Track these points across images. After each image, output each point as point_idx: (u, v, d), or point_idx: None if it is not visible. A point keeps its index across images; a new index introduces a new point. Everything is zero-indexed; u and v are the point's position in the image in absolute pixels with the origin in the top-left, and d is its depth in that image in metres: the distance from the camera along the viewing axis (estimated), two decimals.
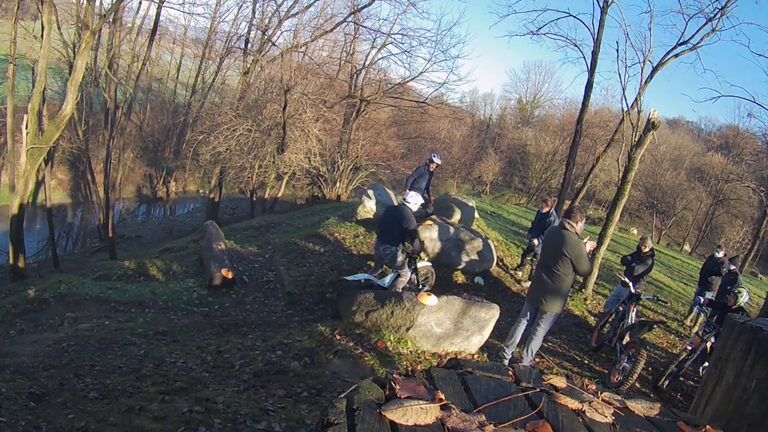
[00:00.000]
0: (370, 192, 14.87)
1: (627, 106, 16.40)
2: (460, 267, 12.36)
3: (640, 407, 2.16)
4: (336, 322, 7.77)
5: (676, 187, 46.99)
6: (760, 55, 36.70)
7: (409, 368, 6.95)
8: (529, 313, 7.80)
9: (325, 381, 6.06)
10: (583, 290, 12.91)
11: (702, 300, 10.82)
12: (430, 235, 12.32)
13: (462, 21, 72.13)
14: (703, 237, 44.89)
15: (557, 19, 27.63)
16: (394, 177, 34.15)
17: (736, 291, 9.31)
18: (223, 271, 10.66)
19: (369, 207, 14.40)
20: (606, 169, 38.28)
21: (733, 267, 12.34)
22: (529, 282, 12.49)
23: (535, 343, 7.74)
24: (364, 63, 29.68)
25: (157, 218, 32.48)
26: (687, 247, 43.26)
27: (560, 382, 2.17)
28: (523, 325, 7.86)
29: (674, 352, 10.68)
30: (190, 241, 14.66)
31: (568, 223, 7.42)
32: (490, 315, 7.97)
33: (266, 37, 26.84)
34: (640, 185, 43.85)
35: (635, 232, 39.67)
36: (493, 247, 12.97)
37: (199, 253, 12.19)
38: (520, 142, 53.30)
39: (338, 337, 7.11)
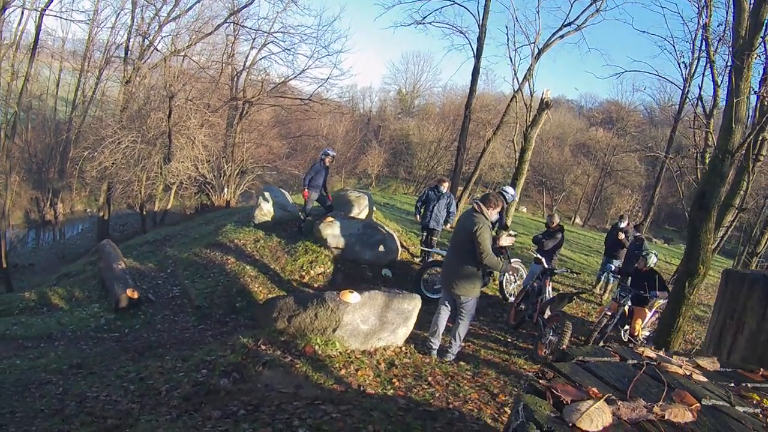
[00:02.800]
0: (267, 194, 14.65)
1: (518, 86, 16.81)
2: (366, 261, 12.46)
3: (706, 363, 2.29)
4: (257, 331, 7.53)
5: (562, 163, 48.85)
6: (643, 32, 38.69)
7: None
8: (447, 301, 7.91)
9: (260, 395, 5.87)
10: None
11: (613, 267, 11.30)
12: (332, 231, 12.44)
13: (343, 15, 72.30)
14: (594, 209, 46.95)
15: (442, 7, 28.16)
16: (280, 178, 33.76)
17: (644, 254, 9.84)
18: (128, 292, 10.17)
19: (266, 210, 14.19)
20: (491, 153, 39.17)
21: (638, 234, 12.97)
22: None
23: (462, 329, 7.85)
24: (245, 64, 29.13)
25: (48, 243, 30.71)
26: (578, 221, 45.02)
27: (650, 353, 2.26)
28: (444, 313, 7.96)
29: (590, 320, 11.11)
30: (86, 263, 13.92)
31: (479, 205, 7.54)
32: (413, 305, 7.99)
33: (147, 43, 25.90)
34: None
35: (524, 210, 41.06)
36: (396, 238, 13.18)
37: (99, 275, 11.58)
38: (403, 133, 53.47)
39: (263, 347, 6.88)
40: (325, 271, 11.99)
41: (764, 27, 7.78)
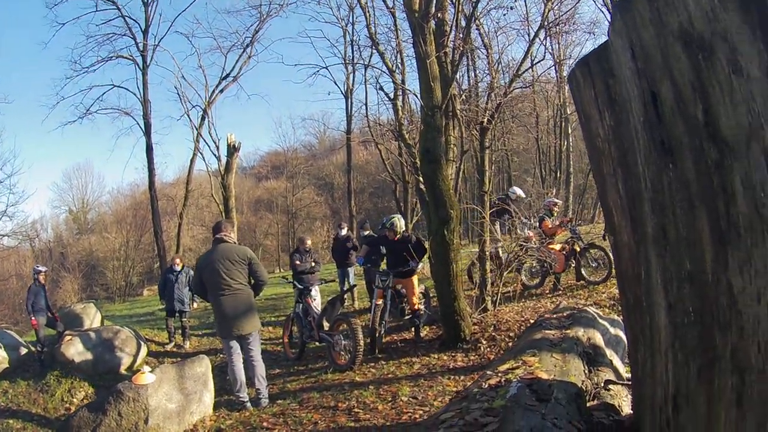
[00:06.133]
0: None
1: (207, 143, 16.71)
2: (121, 366, 11.48)
3: None
4: None
5: (246, 224, 49.21)
6: (295, 64, 40.43)
7: None
8: (234, 346, 7.39)
9: None
10: None
11: (362, 260, 11.16)
12: (76, 349, 11.21)
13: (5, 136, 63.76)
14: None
15: (103, 93, 26.16)
16: None
17: (389, 224, 9.71)
18: None
19: (1, 356, 12.09)
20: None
21: (366, 232, 13.45)
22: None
23: (261, 368, 7.50)
24: None
25: None
26: (278, 270, 45.44)
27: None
28: (239, 361, 7.42)
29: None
30: None
31: (226, 235, 7.35)
32: (204, 366, 7.41)
33: None
34: None
35: None
36: (138, 333, 12.60)
37: None
38: (87, 252, 50.07)
39: None
40: (87, 393, 10.72)
41: None
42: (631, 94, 1.72)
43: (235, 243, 7.47)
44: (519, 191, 12.99)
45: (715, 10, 1.32)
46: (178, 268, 12.61)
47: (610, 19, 1.81)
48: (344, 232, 14.10)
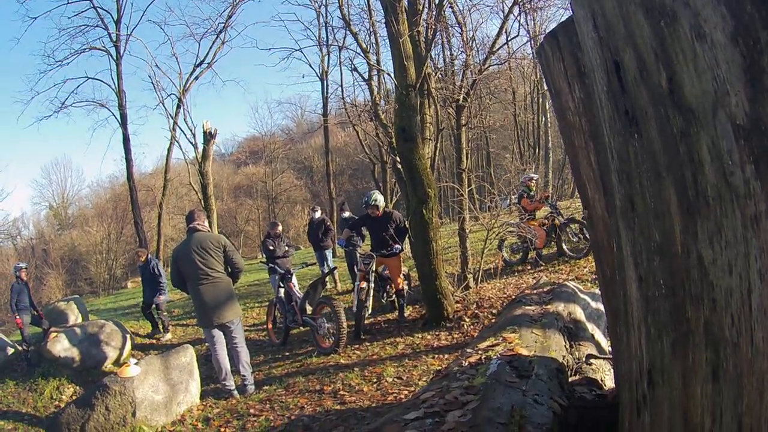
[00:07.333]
0: None
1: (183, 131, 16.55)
2: (108, 360, 11.38)
3: None
4: None
5: (227, 211, 48.98)
6: (269, 49, 39.88)
7: None
8: (216, 335, 7.36)
9: None
10: None
11: (344, 242, 11.02)
12: (62, 346, 11.12)
13: None
14: None
15: (78, 86, 26.15)
16: None
17: (366, 199, 9.47)
18: None
19: None
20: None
21: (346, 214, 13.38)
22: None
23: (245, 355, 7.50)
24: None
25: None
26: (261, 256, 45.28)
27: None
28: (222, 350, 7.38)
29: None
30: None
31: (200, 224, 7.37)
32: (189, 356, 7.41)
33: None
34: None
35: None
36: (122, 326, 12.43)
37: None
38: (69, 247, 49.58)
39: None
40: (76, 389, 10.62)
41: None
42: (594, 64, 1.69)
43: (208, 231, 7.46)
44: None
45: None
46: (142, 261, 12.66)
47: None
48: (318, 215, 14.09)
